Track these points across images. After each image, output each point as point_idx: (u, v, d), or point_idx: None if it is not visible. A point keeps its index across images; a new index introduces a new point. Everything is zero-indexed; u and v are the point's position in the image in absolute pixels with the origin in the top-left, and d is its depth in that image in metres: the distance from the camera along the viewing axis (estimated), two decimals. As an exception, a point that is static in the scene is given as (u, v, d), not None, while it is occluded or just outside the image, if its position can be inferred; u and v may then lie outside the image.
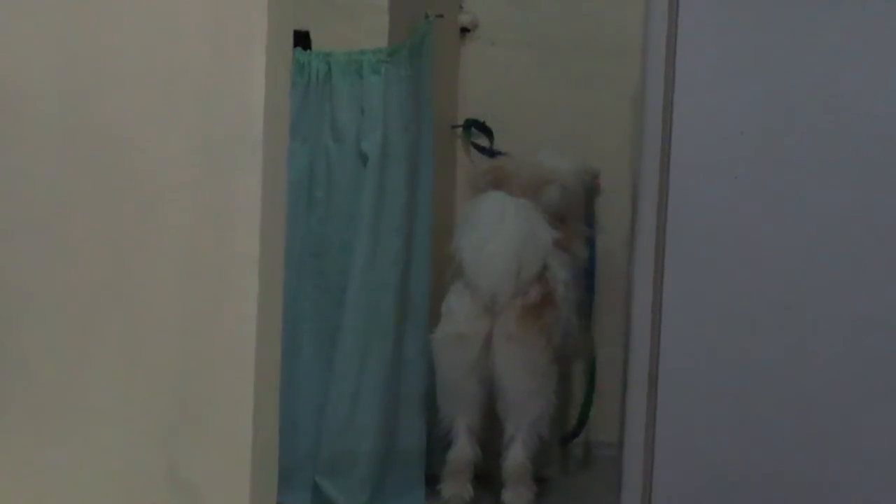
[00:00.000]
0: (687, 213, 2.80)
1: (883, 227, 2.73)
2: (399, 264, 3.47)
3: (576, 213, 3.80)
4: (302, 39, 3.43)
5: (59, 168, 1.98)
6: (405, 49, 3.46)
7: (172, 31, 1.94)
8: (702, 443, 2.82)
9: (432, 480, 3.55)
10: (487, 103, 4.27)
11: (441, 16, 3.67)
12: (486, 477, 3.56)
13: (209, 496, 1.96)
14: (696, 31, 2.77)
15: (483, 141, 4.22)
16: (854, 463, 2.76)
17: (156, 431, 1.98)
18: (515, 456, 3.45)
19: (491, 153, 4.15)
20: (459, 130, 4.23)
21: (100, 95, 1.96)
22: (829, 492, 2.77)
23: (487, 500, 3.53)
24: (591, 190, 3.92)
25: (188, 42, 1.94)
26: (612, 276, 3.98)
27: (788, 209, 2.76)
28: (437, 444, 3.58)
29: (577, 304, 3.77)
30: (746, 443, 2.80)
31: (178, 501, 1.97)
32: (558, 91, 4.29)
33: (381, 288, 3.44)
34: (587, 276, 3.88)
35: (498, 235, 3.44)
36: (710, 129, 2.79)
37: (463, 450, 3.48)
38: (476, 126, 4.23)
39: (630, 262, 2.98)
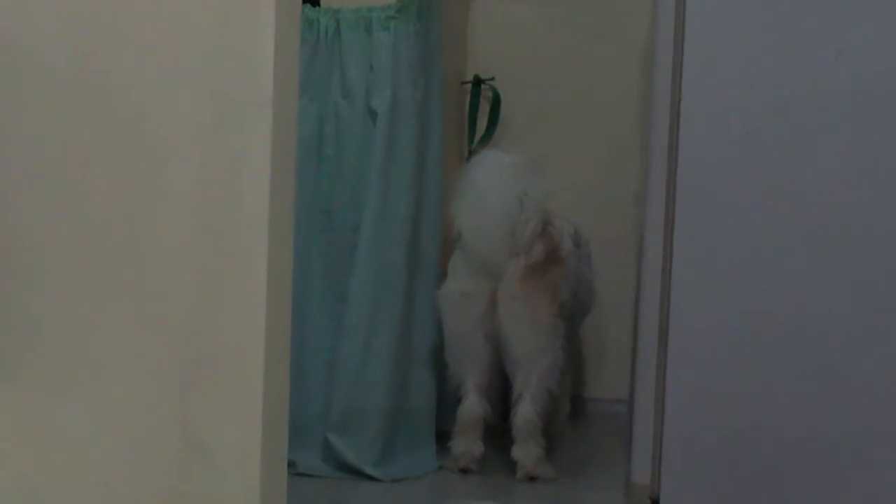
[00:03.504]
0: (697, 169, 2.79)
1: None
2: (409, 220, 3.46)
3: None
4: (310, -5, 3.41)
5: (69, 126, 1.97)
6: (414, 5, 3.44)
7: (181, -13, 1.94)
8: (712, 399, 2.82)
9: (443, 437, 3.56)
10: (496, 59, 4.26)
11: (450, -30, 3.65)
12: (498, 433, 3.57)
13: (221, 454, 1.97)
14: (708, -15, 2.76)
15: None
16: (865, 419, 2.76)
17: (167, 390, 1.98)
18: (524, 412, 3.45)
19: None
20: (469, 86, 4.22)
21: (110, 54, 1.96)
22: (840, 448, 2.77)
23: (498, 456, 3.54)
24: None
25: (196, -1, 1.93)
26: (621, 233, 3.97)
27: (801, 164, 2.75)
28: (448, 401, 3.59)
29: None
30: (756, 399, 2.80)
31: (190, 459, 1.98)
32: (568, 47, 4.27)
33: (391, 244, 3.43)
34: None
35: (489, 198, 3.42)
36: (720, 84, 2.78)
37: (473, 406, 3.48)
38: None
39: (641, 218, 2.97)
